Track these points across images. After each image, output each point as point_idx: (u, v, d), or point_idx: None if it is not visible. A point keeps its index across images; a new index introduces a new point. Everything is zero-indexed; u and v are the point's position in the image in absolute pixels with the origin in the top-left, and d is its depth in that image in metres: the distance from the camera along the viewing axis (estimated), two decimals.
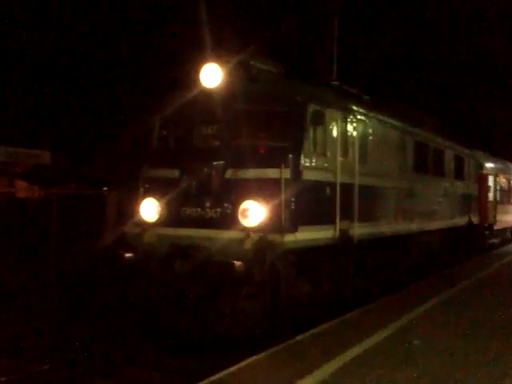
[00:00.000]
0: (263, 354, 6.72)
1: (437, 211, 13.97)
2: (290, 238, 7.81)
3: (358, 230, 9.54)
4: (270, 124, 8.37)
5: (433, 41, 27.72)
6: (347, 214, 9.24)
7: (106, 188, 17.05)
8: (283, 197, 7.79)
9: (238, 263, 7.35)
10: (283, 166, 7.82)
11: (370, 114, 10.58)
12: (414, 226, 12.41)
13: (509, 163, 27.30)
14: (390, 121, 11.48)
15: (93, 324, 9.54)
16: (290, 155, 8.03)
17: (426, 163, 13.45)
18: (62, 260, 13.77)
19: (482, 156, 20.67)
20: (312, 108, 8.40)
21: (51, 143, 19.08)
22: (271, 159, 7.99)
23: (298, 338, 7.43)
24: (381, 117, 11.14)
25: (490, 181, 20.94)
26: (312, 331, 7.76)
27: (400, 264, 12.13)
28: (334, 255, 9.06)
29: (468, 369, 6.20)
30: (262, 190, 7.87)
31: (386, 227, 11.00)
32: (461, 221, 16.39)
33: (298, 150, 8.11)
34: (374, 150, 10.52)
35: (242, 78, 8.55)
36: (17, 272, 12.77)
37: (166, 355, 7.91)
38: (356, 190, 9.47)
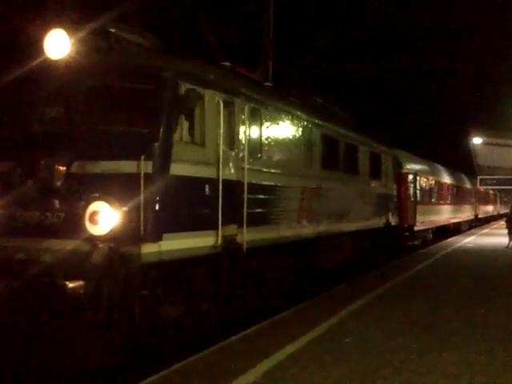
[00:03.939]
0: (196, 355, 6.46)
1: (349, 212, 12.72)
2: (150, 248, 6.19)
3: (249, 235, 8.02)
4: (130, 105, 6.68)
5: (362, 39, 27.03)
6: (234, 218, 7.71)
7: None
8: (143, 197, 6.16)
9: (72, 284, 5.63)
10: (143, 157, 6.20)
11: (268, 102, 9.12)
12: (322, 229, 11.08)
13: (431, 163, 26.92)
14: (293, 111, 10.07)
15: None
16: (155, 144, 6.41)
17: (337, 160, 12.16)
18: None
19: (401, 154, 19.83)
20: (185, 87, 6.80)
21: None
22: (129, 149, 6.33)
23: (233, 338, 7.21)
24: (281, 105, 9.71)
25: (410, 180, 20.15)
26: (245, 332, 7.53)
27: (306, 271, 10.77)
28: (216, 267, 7.51)
29: (396, 364, 6.23)
30: (116, 188, 6.21)
31: (288, 231, 9.58)
32: (378, 222, 15.29)
33: (164, 139, 6.48)
34: (272, 143, 9.06)
35: (97, 48, 6.84)
36: None
37: None
38: (245, 188, 7.95)
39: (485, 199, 44.88)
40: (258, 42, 15.69)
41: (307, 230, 10.40)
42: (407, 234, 19.63)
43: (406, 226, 19.08)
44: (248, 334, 7.51)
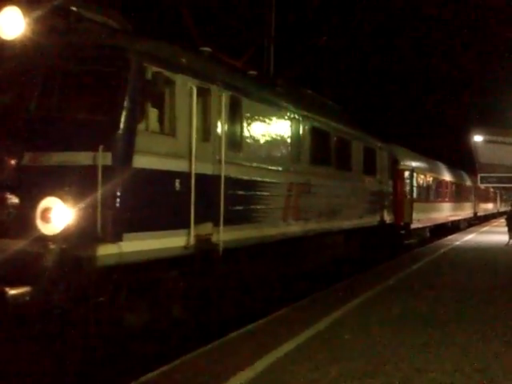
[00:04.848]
0: (195, 352, 6.29)
1: (341, 210, 12.06)
2: (108, 250, 5.54)
3: (227, 234, 7.38)
4: (89, 90, 6.01)
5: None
6: (209, 215, 7.06)
7: None
8: (100, 192, 5.52)
9: (13, 291, 4.99)
10: (102, 148, 5.55)
11: (250, 90, 8.46)
12: (310, 227, 10.43)
13: (429, 159, 26.24)
14: (279, 101, 9.41)
15: None
16: (116, 133, 5.76)
17: (328, 154, 11.49)
18: None
19: (398, 150, 19.13)
20: (152, 70, 6.14)
21: None
22: (86, 139, 5.69)
23: (232, 335, 7.07)
24: (266, 95, 9.06)
25: (407, 177, 19.47)
26: (244, 329, 7.41)
27: (294, 271, 10.13)
28: (187, 270, 6.86)
29: (396, 361, 6.12)
30: (72, 182, 5.57)
31: (273, 229, 8.93)
32: (371, 220, 14.63)
33: (126, 127, 5.83)
34: (254, 135, 8.40)
35: (56, 27, 6.19)
36: None
37: None
38: (222, 183, 7.30)
39: (484, 197, 44.22)
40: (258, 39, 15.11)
41: (294, 228, 9.76)
42: (403, 232, 18.97)
43: (402, 223, 18.40)
44: (247, 331, 7.36)
